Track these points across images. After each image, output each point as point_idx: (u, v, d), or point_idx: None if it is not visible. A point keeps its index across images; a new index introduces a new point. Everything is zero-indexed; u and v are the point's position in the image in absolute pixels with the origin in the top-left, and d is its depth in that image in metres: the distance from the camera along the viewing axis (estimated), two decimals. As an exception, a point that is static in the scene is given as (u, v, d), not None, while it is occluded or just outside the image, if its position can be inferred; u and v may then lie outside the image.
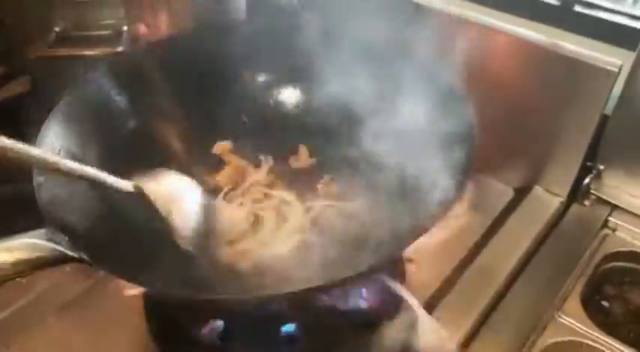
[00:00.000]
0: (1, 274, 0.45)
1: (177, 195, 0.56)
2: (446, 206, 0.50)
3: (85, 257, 0.45)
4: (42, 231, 0.46)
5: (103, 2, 0.70)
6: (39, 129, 0.54)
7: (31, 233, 0.45)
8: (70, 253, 0.45)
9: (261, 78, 0.70)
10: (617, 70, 0.66)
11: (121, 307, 0.67)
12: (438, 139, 0.58)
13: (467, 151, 0.53)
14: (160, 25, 0.73)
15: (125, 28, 0.71)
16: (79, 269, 0.67)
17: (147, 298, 0.65)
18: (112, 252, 0.48)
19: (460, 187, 0.51)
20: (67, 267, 0.67)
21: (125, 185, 0.54)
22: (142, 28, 0.72)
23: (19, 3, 0.70)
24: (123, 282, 0.68)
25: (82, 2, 0.70)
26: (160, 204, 0.55)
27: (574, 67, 0.68)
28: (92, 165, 0.54)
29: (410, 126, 0.62)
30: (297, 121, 0.70)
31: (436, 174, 0.54)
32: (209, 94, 0.67)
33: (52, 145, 0.54)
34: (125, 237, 0.54)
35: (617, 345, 0.63)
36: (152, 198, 0.54)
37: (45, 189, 0.50)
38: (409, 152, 0.59)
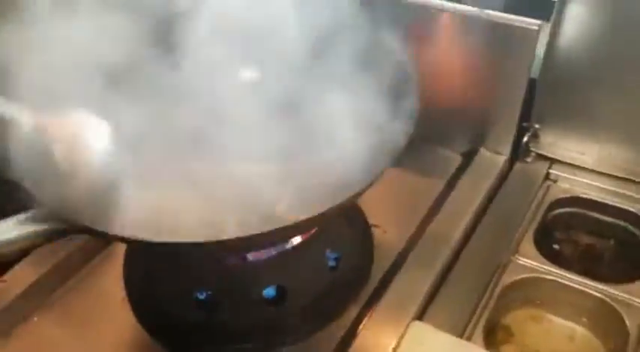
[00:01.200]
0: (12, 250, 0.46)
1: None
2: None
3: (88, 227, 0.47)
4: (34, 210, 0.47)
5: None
6: None
7: (25, 213, 0.47)
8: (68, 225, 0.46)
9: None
10: (536, 28, 0.73)
11: (104, 299, 0.69)
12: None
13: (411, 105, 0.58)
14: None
15: None
16: (58, 267, 0.70)
17: (130, 281, 0.67)
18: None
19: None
20: (45, 267, 0.69)
21: None
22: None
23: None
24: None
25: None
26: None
27: (499, 30, 0.76)
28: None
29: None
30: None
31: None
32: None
33: None
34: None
35: (570, 276, 0.70)
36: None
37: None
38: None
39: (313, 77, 0.65)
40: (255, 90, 0.67)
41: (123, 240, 0.50)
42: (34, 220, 0.46)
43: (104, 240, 0.53)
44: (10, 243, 0.46)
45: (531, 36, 0.74)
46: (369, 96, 0.61)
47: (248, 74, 0.70)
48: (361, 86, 0.63)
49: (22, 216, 0.47)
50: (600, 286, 0.68)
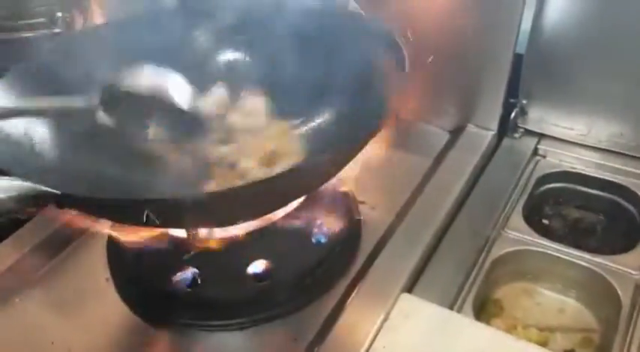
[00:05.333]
0: None
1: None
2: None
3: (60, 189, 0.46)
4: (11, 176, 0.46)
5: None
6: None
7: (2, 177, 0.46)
8: (43, 187, 0.45)
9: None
10: (520, -1, 0.73)
11: (88, 279, 0.68)
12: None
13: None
14: (92, 12, 0.75)
15: (59, 14, 0.72)
16: (40, 247, 0.69)
17: (113, 261, 0.66)
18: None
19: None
20: (26, 248, 0.68)
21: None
22: (77, 15, 0.74)
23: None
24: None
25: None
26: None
27: (483, 3, 0.75)
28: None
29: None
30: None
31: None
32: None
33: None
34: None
35: (560, 247, 0.69)
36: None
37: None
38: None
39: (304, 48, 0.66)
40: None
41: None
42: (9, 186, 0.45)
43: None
44: None
45: (515, 7, 0.73)
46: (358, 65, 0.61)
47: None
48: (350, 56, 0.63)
49: None
50: (591, 257, 0.67)
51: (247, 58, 0.72)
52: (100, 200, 0.48)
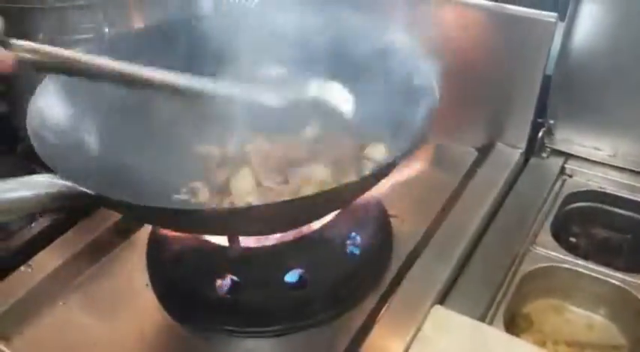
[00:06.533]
0: (25, 206, 0.47)
1: None
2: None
3: (100, 192, 0.48)
4: (53, 174, 0.48)
5: (82, 6, 0.75)
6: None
7: (45, 174, 0.48)
8: (85, 190, 0.47)
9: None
10: (553, 20, 0.75)
11: (128, 284, 0.70)
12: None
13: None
14: (138, 24, 0.79)
15: (106, 29, 0.76)
16: (83, 252, 0.71)
17: (153, 267, 0.68)
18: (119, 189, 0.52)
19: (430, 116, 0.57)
20: (69, 252, 0.70)
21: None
22: (122, 29, 0.77)
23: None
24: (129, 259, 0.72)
25: (62, 8, 0.74)
26: None
27: (516, 24, 0.77)
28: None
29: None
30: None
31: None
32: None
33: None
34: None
35: (589, 265, 0.70)
36: None
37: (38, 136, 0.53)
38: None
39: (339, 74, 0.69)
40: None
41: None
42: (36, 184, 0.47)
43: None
44: (15, 200, 0.46)
45: (548, 28, 0.76)
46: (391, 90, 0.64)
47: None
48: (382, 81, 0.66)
49: (28, 179, 0.47)
50: (620, 275, 0.68)
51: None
52: (140, 207, 0.50)
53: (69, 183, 0.47)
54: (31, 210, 0.48)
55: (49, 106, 0.58)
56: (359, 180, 0.55)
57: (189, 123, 0.68)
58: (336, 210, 0.64)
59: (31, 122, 0.55)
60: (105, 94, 0.62)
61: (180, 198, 0.66)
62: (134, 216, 0.68)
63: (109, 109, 0.63)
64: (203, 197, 0.66)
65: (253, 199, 0.64)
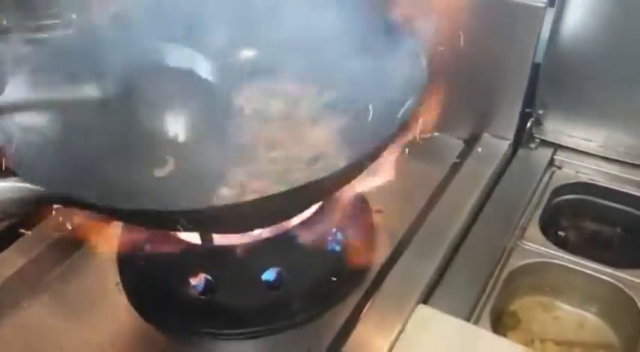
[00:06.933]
0: None
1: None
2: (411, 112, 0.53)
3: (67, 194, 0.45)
4: (17, 178, 0.45)
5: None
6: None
7: (8, 179, 0.45)
8: (51, 192, 0.44)
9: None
10: (542, 5, 0.72)
11: (98, 283, 0.66)
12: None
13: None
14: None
15: (74, 16, 0.72)
16: (49, 250, 0.68)
17: (124, 266, 0.65)
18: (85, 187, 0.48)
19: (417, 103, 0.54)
20: (34, 252, 0.67)
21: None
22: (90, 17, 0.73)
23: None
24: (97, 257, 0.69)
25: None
26: None
27: (504, 9, 0.74)
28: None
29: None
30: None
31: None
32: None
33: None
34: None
35: (580, 260, 0.67)
36: None
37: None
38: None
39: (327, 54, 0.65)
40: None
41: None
42: (4, 188, 0.44)
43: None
44: None
45: (537, 15, 0.73)
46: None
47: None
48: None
49: None
50: (612, 271, 0.66)
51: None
52: (108, 208, 0.47)
53: (34, 187, 0.44)
54: None
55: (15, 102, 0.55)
56: (349, 166, 0.51)
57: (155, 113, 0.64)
58: (317, 202, 0.61)
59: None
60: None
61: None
62: (103, 216, 0.65)
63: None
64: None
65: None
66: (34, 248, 0.67)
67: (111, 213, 0.51)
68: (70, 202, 0.46)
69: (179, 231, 0.57)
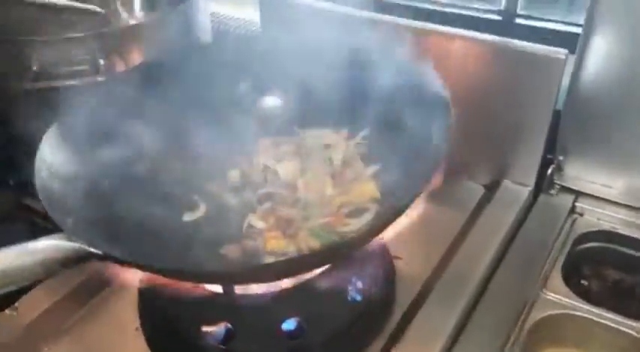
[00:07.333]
0: (33, 275, 0.45)
1: None
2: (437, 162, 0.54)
3: (109, 252, 0.45)
4: (60, 234, 0.47)
5: (76, 39, 0.73)
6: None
7: (51, 236, 0.46)
8: (93, 250, 0.45)
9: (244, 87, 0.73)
10: (563, 57, 0.72)
11: (118, 328, 0.66)
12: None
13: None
14: (134, 56, 0.76)
15: (102, 61, 0.74)
16: (72, 294, 0.68)
17: (145, 311, 0.65)
18: (126, 245, 0.49)
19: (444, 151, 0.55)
20: (56, 296, 0.67)
21: None
22: (117, 60, 0.75)
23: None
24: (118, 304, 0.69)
25: (57, 40, 0.72)
26: None
27: (525, 60, 0.75)
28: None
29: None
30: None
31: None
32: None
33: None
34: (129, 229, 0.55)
35: (603, 313, 0.66)
36: None
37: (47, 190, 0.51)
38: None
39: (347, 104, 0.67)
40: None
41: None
42: (49, 247, 0.45)
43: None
44: (22, 269, 0.45)
45: (558, 65, 0.73)
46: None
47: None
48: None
49: (34, 245, 0.46)
50: (635, 324, 0.65)
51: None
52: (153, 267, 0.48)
53: (76, 245, 0.45)
54: (37, 278, 0.46)
55: (55, 157, 0.57)
56: (379, 223, 0.52)
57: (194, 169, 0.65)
58: (344, 258, 0.62)
59: (39, 174, 0.53)
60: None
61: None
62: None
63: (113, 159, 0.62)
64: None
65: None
66: (57, 292, 0.67)
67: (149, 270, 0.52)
68: (111, 260, 0.47)
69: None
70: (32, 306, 0.65)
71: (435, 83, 0.61)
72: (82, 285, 0.69)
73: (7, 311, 0.65)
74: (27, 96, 0.71)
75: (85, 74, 0.73)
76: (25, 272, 0.45)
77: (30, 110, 0.61)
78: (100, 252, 0.45)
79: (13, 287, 0.46)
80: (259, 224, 0.64)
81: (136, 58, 0.75)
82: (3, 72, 0.74)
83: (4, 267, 0.44)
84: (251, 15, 1.00)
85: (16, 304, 0.65)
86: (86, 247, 0.45)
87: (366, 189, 0.67)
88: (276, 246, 0.61)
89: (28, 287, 0.66)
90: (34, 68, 0.73)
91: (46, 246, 0.45)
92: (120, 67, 0.75)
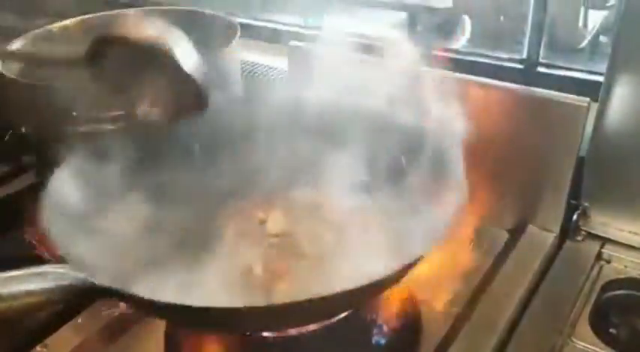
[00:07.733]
0: (34, 302, 0.44)
1: None
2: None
3: (114, 288, 0.46)
4: (67, 265, 0.47)
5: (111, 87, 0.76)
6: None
7: (58, 264, 0.46)
8: (100, 284, 0.46)
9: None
10: (586, 105, 0.73)
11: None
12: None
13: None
14: (167, 104, 0.79)
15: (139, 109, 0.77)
16: (102, 332, 0.69)
17: (171, 350, 0.66)
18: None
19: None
20: (82, 336, 0.68)
21: None
22: (152, 108, 0.78)
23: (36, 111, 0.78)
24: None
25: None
26: None
27: (549, 108, 0.76)
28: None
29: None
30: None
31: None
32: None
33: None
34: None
35: (633, 363, 0.65)
36: None
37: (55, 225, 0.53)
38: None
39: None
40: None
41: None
42: (52, 276, 0.45)
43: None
44: (19, 295, 0.44)
45: (581, 113, 0.74)
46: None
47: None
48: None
49: (38, 269, 0.45)
50: (666, 375, 0.63)
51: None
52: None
53: (81, 275, 0.45)
54: (38, 307, 0.45)
55: (64, 190, 0.59)
56: (391, 274, 0.52)
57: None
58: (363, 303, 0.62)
59: (46, 205, 0.54)
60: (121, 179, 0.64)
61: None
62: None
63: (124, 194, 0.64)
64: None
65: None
66: (87, 329, 0.68)
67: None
68: (116, 296, 0.47)
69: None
70: (62, 343, 0.66)
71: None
72: (112, 322, 0.69)
73: (37, 348, 0.66)
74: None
75: (121, 118, 0.76)
76: (23, 299, 0.43)
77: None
78: (103, 286, 0.45)
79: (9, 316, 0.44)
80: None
81: (169, 107, 0.77)
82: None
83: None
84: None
85: (47, 341, 0.67)
86: (89, 279, 0.45)
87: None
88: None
89: (58, 324, 0.69)
90: (74, 113, 0.77)
91: (49, 271, 0.44)
92: (155, 113, 0.77)
